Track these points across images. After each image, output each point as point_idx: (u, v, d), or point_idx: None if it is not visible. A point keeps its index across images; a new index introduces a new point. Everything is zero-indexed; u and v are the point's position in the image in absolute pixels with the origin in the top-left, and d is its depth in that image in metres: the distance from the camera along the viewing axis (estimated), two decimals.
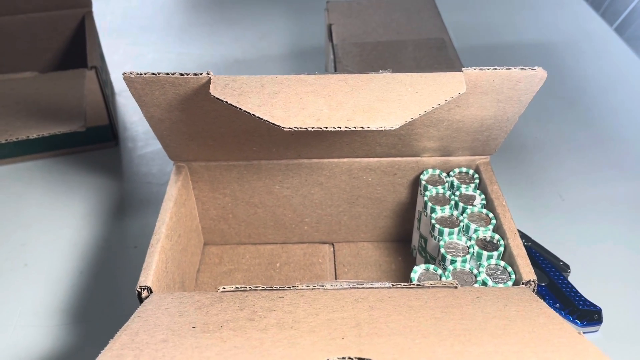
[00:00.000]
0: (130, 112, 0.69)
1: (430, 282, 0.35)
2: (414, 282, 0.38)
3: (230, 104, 0.34)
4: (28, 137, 0.52)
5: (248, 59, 0.79)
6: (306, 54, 0.80)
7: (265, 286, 0.35)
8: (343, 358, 0.27)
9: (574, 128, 0.66)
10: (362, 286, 0.35)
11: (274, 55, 0.80)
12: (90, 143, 0.62)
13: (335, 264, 0.50)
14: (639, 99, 0.70)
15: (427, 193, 0.45)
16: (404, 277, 0.49)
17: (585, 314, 0.45)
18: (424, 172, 0.46)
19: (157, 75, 0.35)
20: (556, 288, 0.47)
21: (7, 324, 0.46)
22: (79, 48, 0.67)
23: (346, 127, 0.33)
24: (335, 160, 0.46)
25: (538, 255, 0.50)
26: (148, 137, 0.65)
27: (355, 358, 0.27)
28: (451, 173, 0.46)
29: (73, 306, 0.48)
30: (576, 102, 0.70)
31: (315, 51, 0.80)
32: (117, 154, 0.64)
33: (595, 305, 0.45)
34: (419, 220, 0.47)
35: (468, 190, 0.45)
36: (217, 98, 0.34)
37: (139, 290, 0.36)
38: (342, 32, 0.62)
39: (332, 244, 0.52)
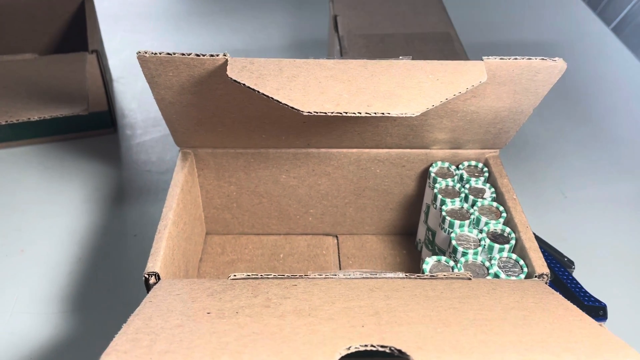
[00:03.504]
0: (129, 99, 0.68)
1: (444, 273, 0.35)
2: (427, 273, 0.38)
3: (248, 87, 0.33)
4: (29, 119, 0.51)
5: (247, 50, 0.78)
6: (306, 46, 0.79)
7: (276, 274, 0.34)
8: (365, 345, 0.27)
9: (575, 126, 0.66)
10: (375, 276, 0.35)
11: (273, 46, 0.79)
12: (88, 129, 0.61)
13: (339, 256, 0.50)
14: (637, 98, 0.71)
15: (437, 185, 0.44)
16: (409, 270, 0.48)
17: (590, 309, 0.45)
18: (433, 165, 0.46)
19: (173, 55, 0.35)
20: (561, 284, 0.47)
21: (4, 310, 0.45)
22: (77, 32, 0.66)
23: (366, 113, 0.33)
24: (344, 150, 0.45)
25: (543, 250, 0.49)
26: (147, 124, 0.64)
27: (378, 345, 0.27)
28: (460, 166, 0.46)
29: (71, 294, 0.47)
30: (576, 101, 0.70)
31: (315, 44, 0.79)
32: (115, 141, 0.62)
33: (600, 302, 0.45)
34: (427, 213, 0.46)
35: (478, 183, 0.45)
36: (234, 80, 0.34)
37: (147, 276, 0.35)
38: (347, 23, 0.62)
39: (336, 236, 0.51)
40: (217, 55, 0.35)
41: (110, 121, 0.61)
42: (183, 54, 0.35)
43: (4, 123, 0.50)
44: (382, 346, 0.27)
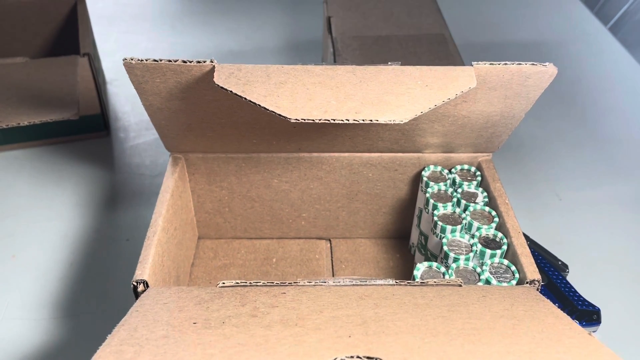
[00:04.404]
0: (122, 102, 0.67)
1: (435, 280, 0.35)
2: (417, 280, 0.38)
3: (235, 94, 0.33)
4: (19, 124, 0.51)
5: (242, 51, 0.78)
6: (302, 47, 0.79)
7: (266, 282, 0.34)
8: (352, 357, 0.27)
9: (571, 127, 0.66)
10: (365, 283, 0.34)
11: (269, 47, 0.79)
12: (81, 132, 0.61)
13: (332, 260, 0.49)
14: (634, 98, 0.70)
15: (429, 190, 0.44)
16: (402, 274, 0.48)
17: (584, 314, 0.45)
18: (426, 169, 0.46)
19: (159, 62, 0.34)
20: (555, 288, 0.47)
21: None
22: (70, 34, 0.66)
23: (354, 120, 0.32)
24: (336, 154, 0.45)
25: (537, 254, 0.49)
26: (140, 127, 0.64)
27: (364, 357, 0.26)
28: (453, 170, 0.46)
29: (62, 299, 0.47)
30: (572, 101, 0.70)
31: (310, 44, 0.79)
32: (108, 144, 0.62)
33: (594, 306, 0.45)
34: (419, 218, 0.46)
35: (470, 187, 0.44)
36: (222, 87, 0.33)
37: (135, 284, 0.35)
38: (341, 25, 0.61)
39: (329, 240, 0.51)
40: (204, 62, 0.34)
41: (103, 124, 0.61)
42: (170, 61, 0.34)
43: None
44: (368, 357, 0.27)
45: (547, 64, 0.35)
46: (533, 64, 0.35)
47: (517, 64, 0.35)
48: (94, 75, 0.57)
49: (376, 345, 0.27)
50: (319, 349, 0.27)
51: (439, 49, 0.57)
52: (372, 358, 0.26)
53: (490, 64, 0.35)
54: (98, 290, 0.47)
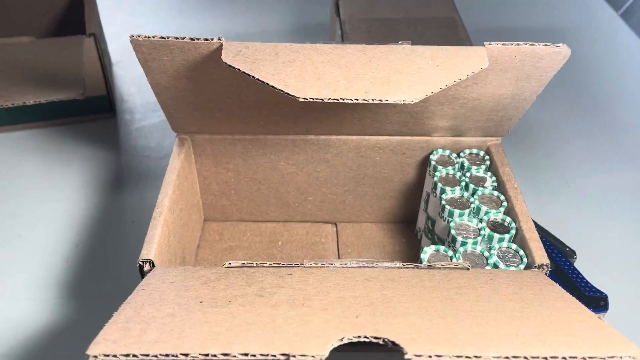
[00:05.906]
0: (128, 84, 0.67)
1: (442, 263, 0.35)
2: (424, 263, 0.37)
3: (243, 72, 0.33)
4: (24, 103, 0.50)
5: (249, 34, 0.77)
6: (308, 31, 0.78)
7: (272, 263, 0.34)
8: (358, 337, 0.26)
9: (580, 113, 0.65)
10: (372, 265, 0.34)
11: (275, 31, 0.78)
12: (86, 113, 0.60)
13: (338, 244, 0.49)
14: None
15: (437, 174, 0.44)
16: (408, 259, 0.48)
17: (591, 300, 0.44)
18: (434, 153, 0.45)
19: (166, 39, 0.34)
20: (562, 274, 0.46)
21: (0, 296, 0.45)
22: (76, 15, 0.65)
23: (364, 100, 0.32)
24: (344, 137, 0.44)
25: (544, 240, 0.49)
26: (146, 109, 0.64)
27: (372, 337, 0.26)
28: (461, 154, 0.45)
29: (68, 280, 0.47)
30: (583, 88, 0.69)
31: (317, 28, 0.78)
32: (114, 126, 0.62)
33: (601, 292, 0.45)
34: (427, 202, 0.46)
35: (479, 171, 0.44)
36: (229, 65, 0.33)
37: (141, 263, 0.35)
38: (349, 7, 0.61)
39: (335, 224, 0.51)
40: (212, 40, 0.34)
41: (109, 106, 0.61)
42: (177, 38, 0.34)
43: None
44: (375, 337, 0.26)
45: (560, 45, 0.34)
46: (546, 45, 0.34)
47: (530, 45, 0.34)
48: (100, 55, 0.57)
49: (384, 326, 0.27)
50: (326, 329, 0.27)
51: (448, 33, 0.57)
52: (380, 338, 0.26)
53: (503, 44, 0.34)
54: (103, 271, 0.47)
